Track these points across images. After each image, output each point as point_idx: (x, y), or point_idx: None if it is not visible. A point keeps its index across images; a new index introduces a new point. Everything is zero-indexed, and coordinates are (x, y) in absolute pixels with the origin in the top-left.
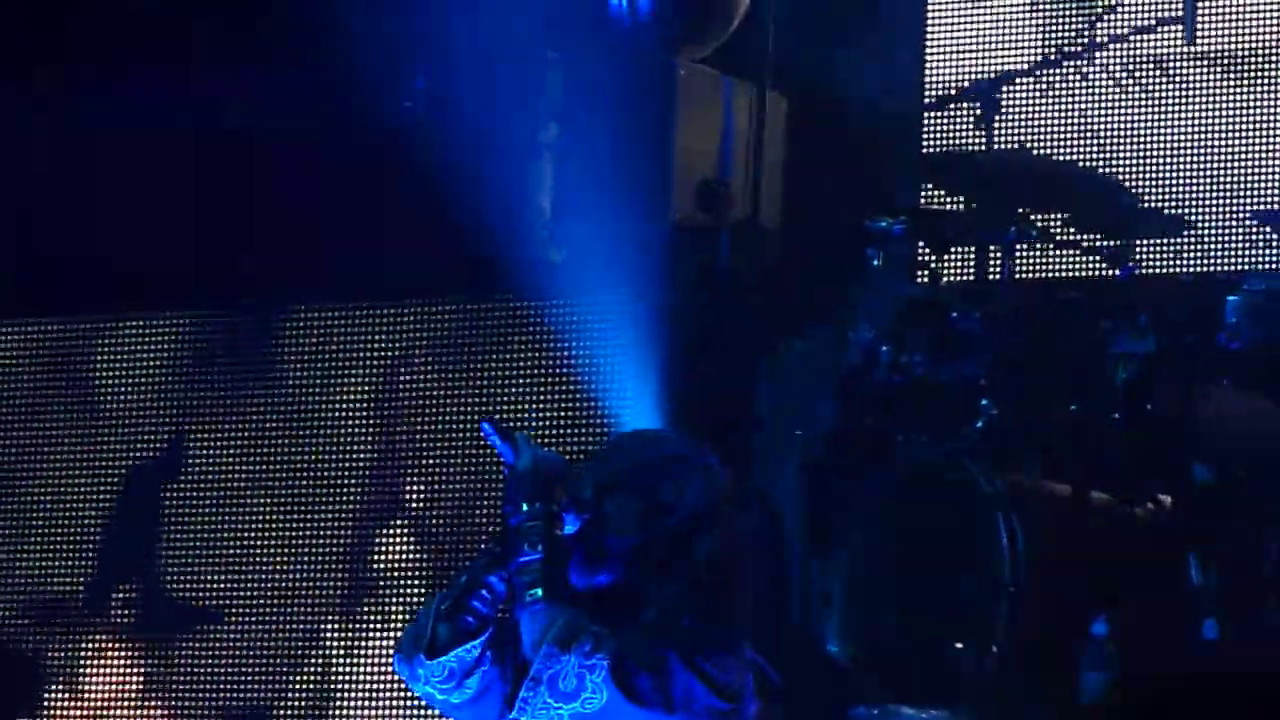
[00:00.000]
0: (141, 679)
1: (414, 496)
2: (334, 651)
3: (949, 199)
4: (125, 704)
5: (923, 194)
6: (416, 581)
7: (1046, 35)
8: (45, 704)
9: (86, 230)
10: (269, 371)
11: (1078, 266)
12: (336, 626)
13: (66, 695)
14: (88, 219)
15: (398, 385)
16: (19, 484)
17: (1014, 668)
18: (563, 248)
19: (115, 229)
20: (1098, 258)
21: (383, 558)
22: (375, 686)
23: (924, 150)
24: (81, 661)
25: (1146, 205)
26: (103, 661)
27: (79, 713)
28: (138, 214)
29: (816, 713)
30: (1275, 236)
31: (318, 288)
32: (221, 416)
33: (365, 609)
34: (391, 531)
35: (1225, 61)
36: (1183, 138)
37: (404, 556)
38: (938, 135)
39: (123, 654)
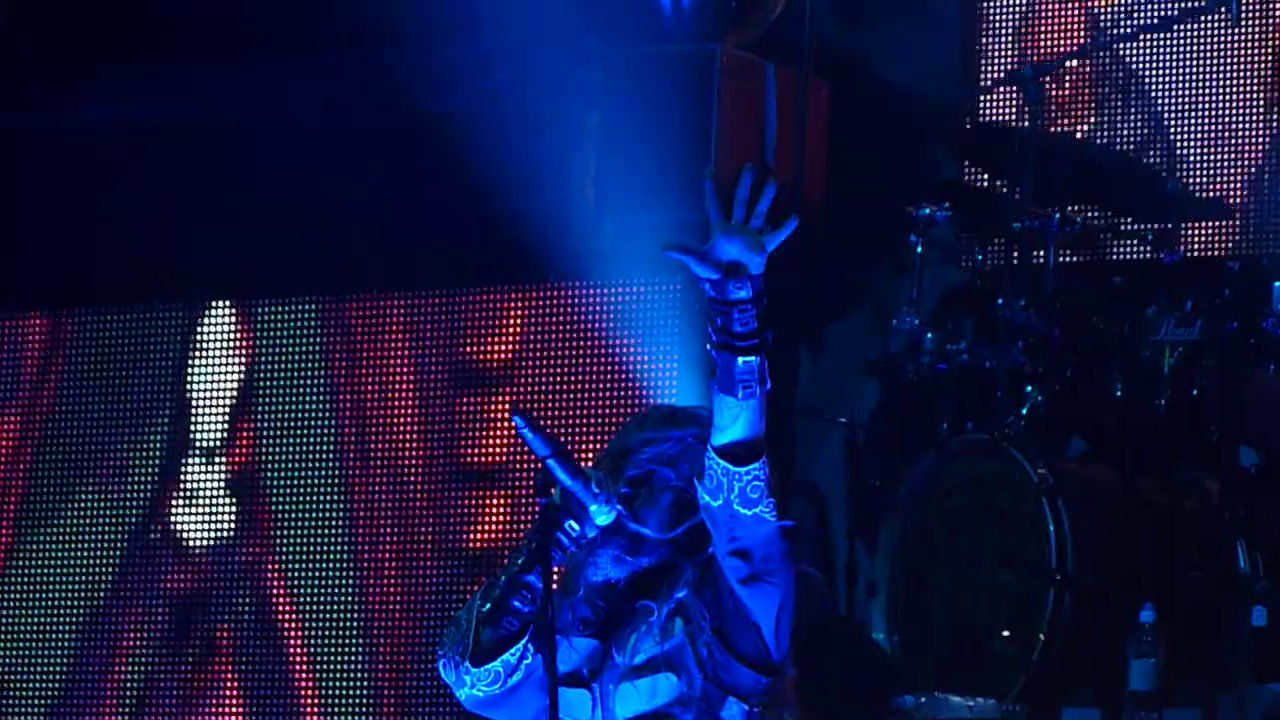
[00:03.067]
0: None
1: (462, 482)
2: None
3: (992, 185)
4: None
5: (966, 179)
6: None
7: (1092, 19)
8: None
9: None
10: (314, 360)
11: (1123, 252)
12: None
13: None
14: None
15: (436, 373)
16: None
17: (1061, 656)
18: (607, 234)
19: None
20: (1143, 243)
21: (435, 543)
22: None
23: (967, 136)
24: None
25: (1192, 190)
26: None
27: None
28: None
29: (863, 701)
30: None
31: (363, 277)
32: (272, 403)
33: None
34: (446, 512)
35: (1271, 42)
36: (1229, 120)
37: (460, 543)
38: (982, 120)
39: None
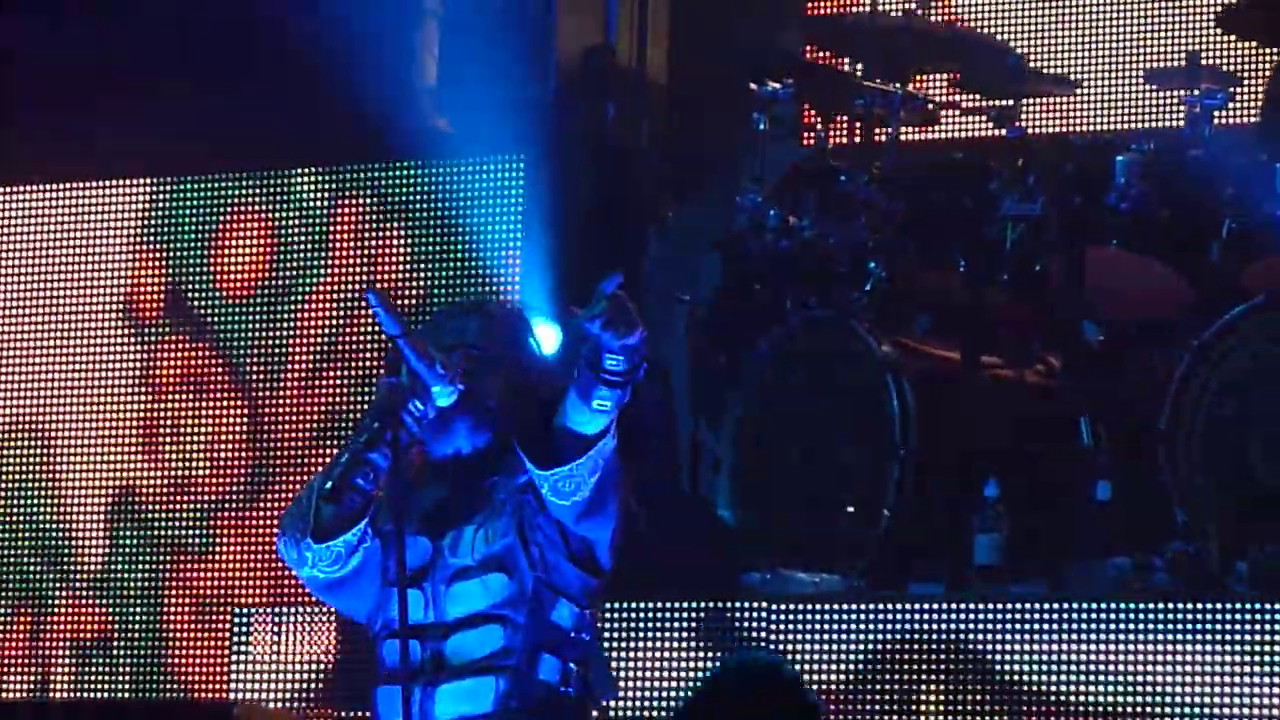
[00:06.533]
0: None
1: (307, 365)
2: None
3: (835, 61)
4: None
5: (809, 57)
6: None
7: None
8: None
9: None
10: (163, 241)
11: (965, 127)
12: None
13: None
14: None
15: (289, 252)
16: None
17: (906, 531)
18: (448, 113)
19: None
20: (985, 118)
21: (280, 430)
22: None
23: (809, 12)
24: None
25: (1034, 65)
26: None
27: None
28: None
29: (709, 578)
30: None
31: (209, 156)
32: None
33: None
34: (293, 403)
35: None
36: None
37: (298, 430)
38: None
39: None
